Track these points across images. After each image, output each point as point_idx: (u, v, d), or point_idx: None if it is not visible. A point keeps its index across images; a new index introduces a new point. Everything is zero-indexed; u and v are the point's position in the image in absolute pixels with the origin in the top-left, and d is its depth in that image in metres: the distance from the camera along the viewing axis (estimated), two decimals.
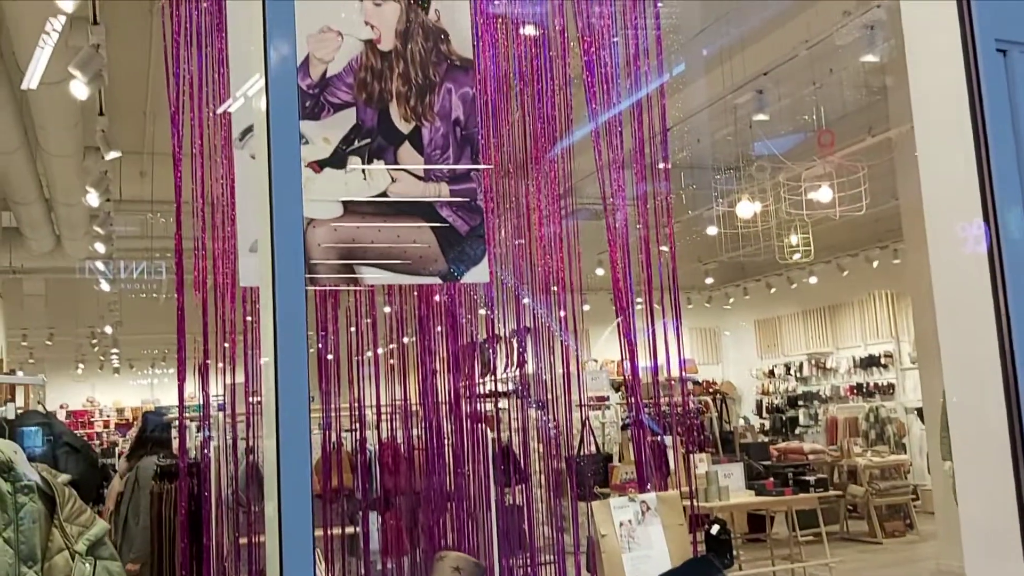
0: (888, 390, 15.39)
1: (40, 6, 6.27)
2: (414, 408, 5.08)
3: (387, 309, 5.54)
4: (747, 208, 11.37)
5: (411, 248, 2.62)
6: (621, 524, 2.81)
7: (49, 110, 8.65)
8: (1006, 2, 2.07)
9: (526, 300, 5.23)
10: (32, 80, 7.43)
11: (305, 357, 1.16)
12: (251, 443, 4.35)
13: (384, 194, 2.68)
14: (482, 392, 5.81)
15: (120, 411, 23.04)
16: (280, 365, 1.12)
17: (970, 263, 2.03)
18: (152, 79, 9.37)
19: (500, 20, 4.74)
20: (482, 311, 5.65)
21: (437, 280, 2.73)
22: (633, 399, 3.75)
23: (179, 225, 3.20)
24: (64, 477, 2.12)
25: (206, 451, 4.15)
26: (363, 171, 2.68)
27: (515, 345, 5.67)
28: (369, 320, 4.97)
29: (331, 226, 2.56)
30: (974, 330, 1.94)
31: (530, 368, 5.54)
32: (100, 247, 12.84)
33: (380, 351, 5.09)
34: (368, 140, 2.73)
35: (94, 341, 20.33)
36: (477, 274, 2.72)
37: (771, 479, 9.07)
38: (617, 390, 12.28)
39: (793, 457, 11.02)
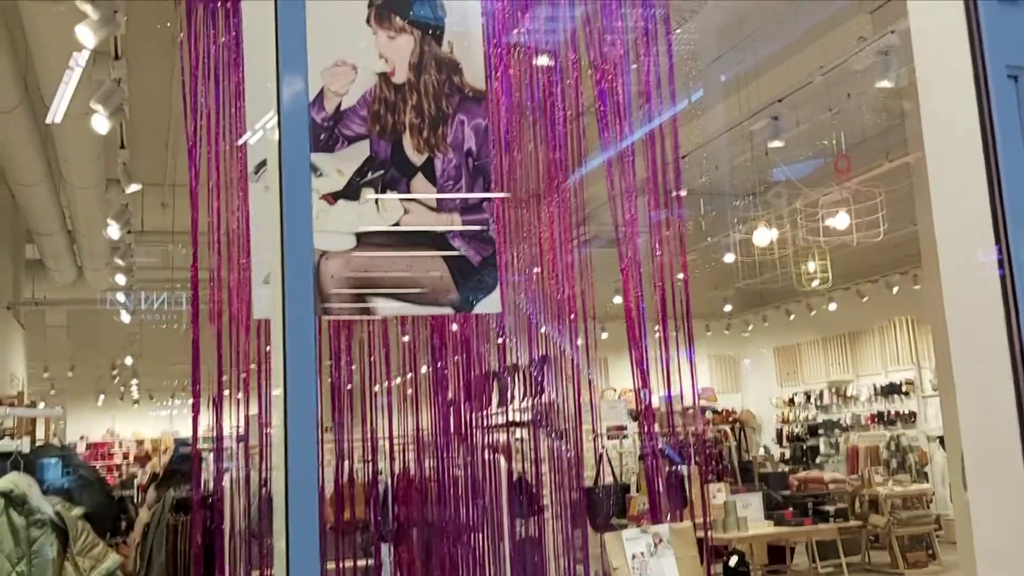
0: (909, 418, 15.22)
1: (64, 41, 6.40)
2: (428, 438, 5.07)
3: (405, 338, 5.56)
4: (763, 235, 11.35)
5: (424, 279, 2.63)
6: (633, 556, 2.80)
7: (72, 143, 8.79)
8: (1017, 28, 2.08)
9: (543, 329, 5.23)
10: (56, 114, 7.57)
11: (315, 390, 1.17)
12: (264, 475, 4.35)
13: (397, 225, 2.70)
14: (498, 422, 5.80)
15: (140, 442, 23.07)
16: (289, 397, 1.12)
17: (983, 290, 2.03)
18: (174, 111, 9.50)
19: (514, 50, 4.78)
20: (499, 340, 5.66)
21: (450, 311, 2.75)
22: (647, 429, 3.74)
23: (195, 257, 3.24)
24: (77, 511, 2.14)
25: (220, 483, 4.16)
26: (376, 202, 2.71)
27: (532, 374, 5.67)
28: (384, 350, 4.99)
29: (345, 257, 2.58)
30: (987, 357, 1.94)
31: (547, 397, 5.53)
32: (121, 278, 12.97)
33: (396, 381, 5.10)
34: (382, 171, 2.76)
35: (114, 372, 20.46)
36: (490, 304, 2.73)
37: (791, 509, 8.96)
38: (636, 419, 12.22)
39: (813, 487, 10.90)
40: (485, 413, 5.42)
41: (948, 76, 2.08)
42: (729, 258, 12.94)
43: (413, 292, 2.66)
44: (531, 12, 4.79)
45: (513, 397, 6.02)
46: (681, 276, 4.59)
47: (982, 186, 2.04)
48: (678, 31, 7.38)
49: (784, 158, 10.82)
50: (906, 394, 15.38)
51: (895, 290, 14.75)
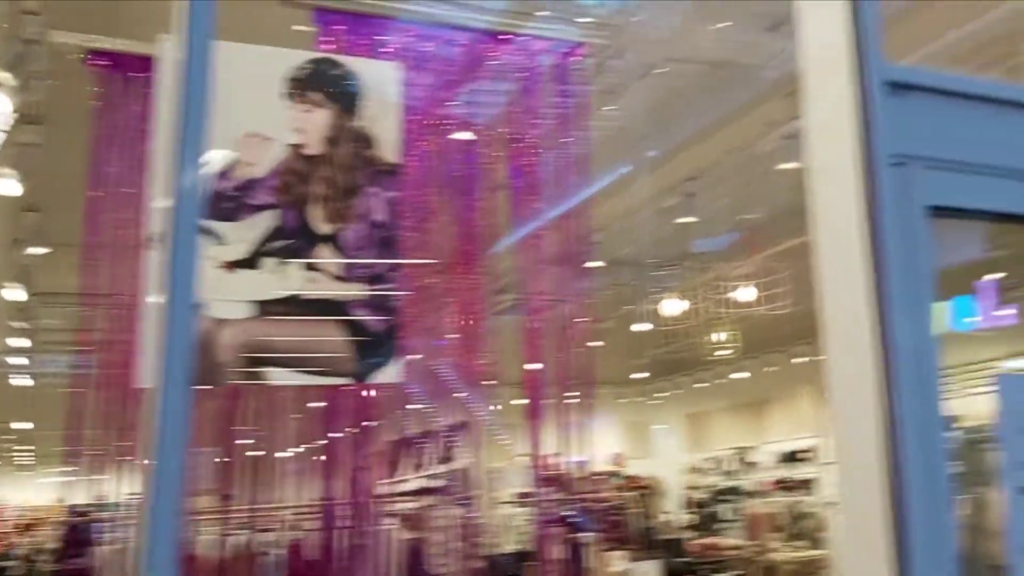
0: (810, 485, 15.51)
1: None
2: (326, 507, 4.98)
3: (316, 404, 5.47)
4: (673, 306, 11.62)
5: (324, 348, 2.63)
6: None
7: None
8: (904, 118, 2.20)
9: (458, 395, 5.24)
10: None
11: (183, 462, 1.17)
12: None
13: (299, 294, 2.70)
14: (406, 489, 5.74)
15: (24, 511, 21.76)
16: (158, 468, 1.12)
17: (864, 370, 2.12)
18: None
19: (432, 126, 4.87)
20: (412, 406, 5.63)
21: (348, 381, 2.75)
22: (542, 496, 3.76)
23: (85, 323, 3.19)
24: None
25: (84, 553, 4.01)
26: (278, 271, 2.71)
27: (445, 440, 5.64)
28: (284, 417, 4.92)
29: (242, 325, 2.57)
30: (864, 433, 2.02)
31: (458, 464, 5.50)
32: (20, 341, 12.52)
33: (294, 450, 5.01)
34: (287, 241, 2.77)
35: (6, 437, 19.53)
36: (389, 374, 2.74)
37: None
38: (554, 485, 12.13)
39: (712, 553, 11.01)
40: (392, 480, 5.35)
41: (837, 162, 2.19)
42: (639, 327, 13.17)
43: (311, 361, 2.65)
44: (452, 88, 4.91)
45: (424, 464, 5.97)
46: (590, 344, 4.67)
47: (866, 269, 2.14)
48: (609, 108, 7.60)
49: (701, 232, 11.14)
50: (808, 461, 15.71)
51: (798, 360, 15.15)
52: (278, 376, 2.62)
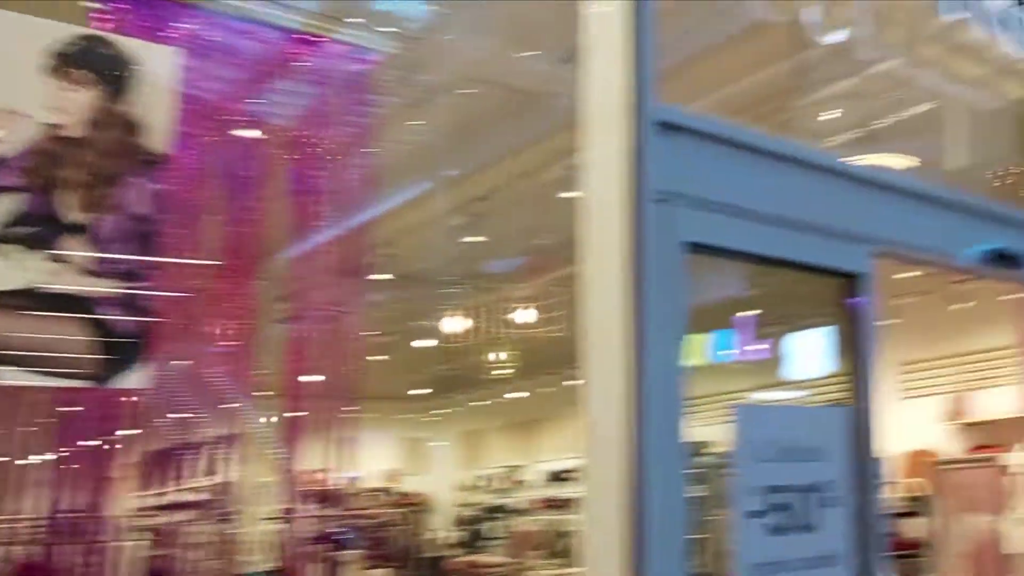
0: (576, 504, 16.07)
1: None
2: (59, 521, 4.60)
3: (68, 408, 5.07)
4: (457, 323, 11.76)
5: (61, 347, 2.42)
6: None
7: None
8: (669, 157, 2.31)
9: (225, 405, 5.03)
10: None
11: None
12: None
13: (38, 286, 2.47)
14: (155, 505, 5.44)
15: None
16: None
17: (614, 394, 2.20)
18: None
19: (216, 120, 4.66)
20: (172, 416, 5.36)
21: (88, 383, 2.55)
22: (303, 513, 3.67)
23: None
24: None
25: None
26: (16, 260, 2.47)
27: (206, 453, 5.40)
28: (19, 425, 4.51)
29: None
30: (611, 455, 2.11)
31: (222, 477, 5.28)
32: None
33: (35, 458, 4.60)
34: (33, 228, 2.53)
35: None
36: (137, 379, 2.56)
37: None
38: (320, 501, 11.89)
39: (473, 571, 11.23)
40: (148, 493, 5.06)
41: (606, 194, 2.28)
42: (421, 343, 13.21)
43: (47, 361, 2.44)
44: (242, 84, 4.71)
45: (185, 476, 5.68)
46: (369, 358, 4.63)
47: (625, 299, 2.24)
48: (409, 122, 7.56)
49: (489, 253, 11.32)
50: (575, 480, 16.29)
51: (569, 383, 15.70)
52: (7, 375, 2.38)
